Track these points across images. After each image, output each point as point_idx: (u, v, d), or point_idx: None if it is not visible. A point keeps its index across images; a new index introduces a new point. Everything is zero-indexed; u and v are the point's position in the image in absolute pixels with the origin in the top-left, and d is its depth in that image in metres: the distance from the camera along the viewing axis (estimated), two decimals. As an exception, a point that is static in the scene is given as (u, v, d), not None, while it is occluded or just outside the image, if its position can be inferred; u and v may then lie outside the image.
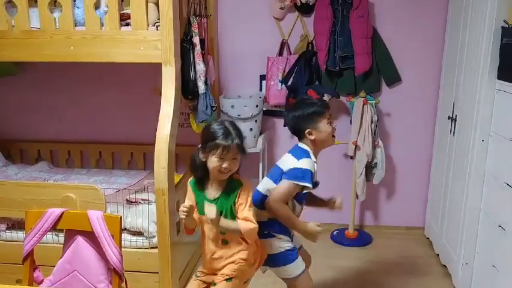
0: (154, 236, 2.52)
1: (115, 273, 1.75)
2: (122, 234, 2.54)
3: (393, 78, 3.38)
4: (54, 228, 1.80)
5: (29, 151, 3.77)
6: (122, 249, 2.50)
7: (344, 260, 3.20)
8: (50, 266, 1.85)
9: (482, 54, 2.52)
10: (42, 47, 2.50)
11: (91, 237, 1.79)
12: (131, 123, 3.63)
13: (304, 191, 2.08)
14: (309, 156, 2.08)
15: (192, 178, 2.01)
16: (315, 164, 2.11)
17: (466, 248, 2.71)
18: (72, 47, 2.47)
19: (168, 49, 2.40)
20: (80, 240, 1.80)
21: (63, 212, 1.80)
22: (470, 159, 2.65)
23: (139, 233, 2.56)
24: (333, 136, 2.15)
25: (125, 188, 3.15)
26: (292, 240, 2.19)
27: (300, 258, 2.17)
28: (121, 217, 1.77)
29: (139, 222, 2.54)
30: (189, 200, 1.99)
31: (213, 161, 1.87)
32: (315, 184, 2.11)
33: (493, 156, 2.51)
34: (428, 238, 3.44)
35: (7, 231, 2.70)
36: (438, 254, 3.17)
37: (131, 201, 2.91)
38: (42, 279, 1.83)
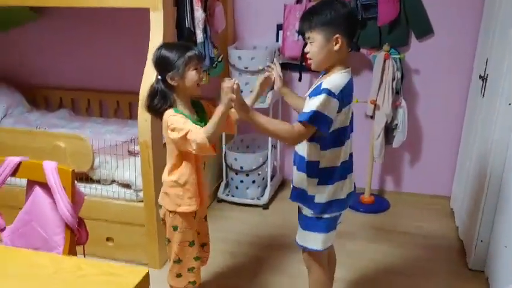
0: (141, 190, 2.46)
1: (67, 227, 1.70)
2: (112, 186, 2.55)
3: (424, 31, 3.00)
4: (13, 176, 1.77)
5: (52, 98, 3.83)
6: (111, 200, 2.53)
7: (354, 226, 3.00)
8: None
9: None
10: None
11: (48, 188, 1.74)
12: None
13: None
14: None
15: (171, 109, 1.85)
16: None
17: (483, 223, 2.43)
18: (61, -9, 2.37)
19: (155, -7, 2.24)
20: (38, 190, 1.76)
21: (21, 162, 1.75)
22: (495, 125, 2.31)
23: (127, 186, 2.52)
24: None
25: (132, 139, 3.10)
26: None
27: None
28: (73, 170, 1.69)
29: (126, 175, 2.49)
30: (189, 121, 1.82)
31: (192, 75, 1.83)
32: None
33: (519, 123, 2.17)
34: (452, 209, 3.14)
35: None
36: (458, 227, 2.89)
37: (132, 153, 2.87)
38: (5, 227, 1.82)
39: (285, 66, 3.24)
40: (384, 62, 2.86)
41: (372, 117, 3.05)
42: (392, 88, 2.89)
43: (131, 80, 3.62)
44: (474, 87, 2.86)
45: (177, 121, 1.80)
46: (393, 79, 2.88)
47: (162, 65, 1.83)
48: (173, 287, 2.10)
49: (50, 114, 3.63)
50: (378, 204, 3.24)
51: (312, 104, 1.65)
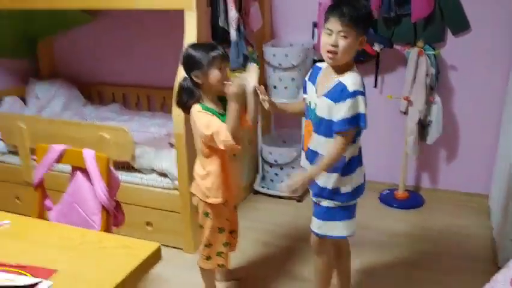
0: (177, 178, 2.63)
1: (103, 208, 1.90)
2: (151, 175, 2.75)
3: (461, 26, 2.96)
4: (58, 162, 1.99)
5: (105, 93, 4.11)
6: (150, 188, 2.72)
7: (387, 221, 3.04)
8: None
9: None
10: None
11: (88, 173, 1.94)
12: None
13: None
14: None
15: (198, 105, 1.98)
16: None
17: (512, 221, 2.40)
18: (108, -6, 2.59)
19: (189, -6, 2.39)
20: (79, 175, 1.97)
21: (64, 149, 1.97)
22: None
23: (165, 175, 2.70)
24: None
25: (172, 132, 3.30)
26: None
27: None
28: (108, 157, 1.88)
29: (164, 165, 2.67)
30: (215, 119, 1.93)
31: (216, 74, 1.92)
32: None
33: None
34: (489, 208, 3.09)
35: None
36: (492, 226, 2.85)
37: (173, 144, 3.06)
38: (51, 207, 2.05)
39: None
40: (418, 58, 2.87)
41: (405, 113, 3.06)
42: (426, 84, 2.89)
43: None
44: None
45: (203, 119, 1.94)
46: (426, 75, 2.88)
47: (188, 63, 1.97)
48: (202, 268, 2.26)
49: (103, 108, 3.91)
50: (413, 200, 3.24)
51: (356, 108, 1.74)
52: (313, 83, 1.91)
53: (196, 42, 2.16)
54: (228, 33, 2.69)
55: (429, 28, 2.96)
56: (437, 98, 2.94)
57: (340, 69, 1.80)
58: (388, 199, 3.26)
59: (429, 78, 2.89)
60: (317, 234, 2.03)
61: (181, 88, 2.01)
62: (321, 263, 2.12)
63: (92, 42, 4.00)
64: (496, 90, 3.01)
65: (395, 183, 3.31)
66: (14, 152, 3.11)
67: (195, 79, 1.96)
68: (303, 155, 2.02)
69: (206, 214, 2.14)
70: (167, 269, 2.51)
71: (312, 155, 1.92)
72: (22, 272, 1.20)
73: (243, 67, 2.80)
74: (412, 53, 2.90)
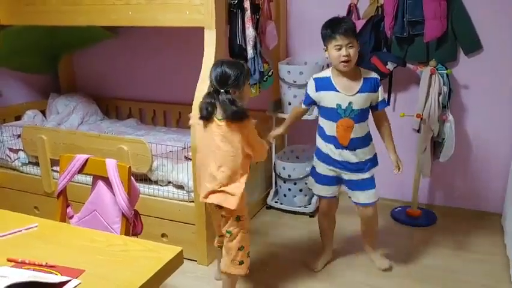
0: (192, 191, 2.69)
1: (123, 216, 1.95)
2: (167, 187, 2.80)
3: (473, 46, 3.02)
4: (80, 172, 2.05)
5: (122, 108, 4.22)
6: (167, 200, 2.78)
7: (398, 238, 3.06)
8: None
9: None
10: (109, 12, 2.76)
11: (109, 183, 2.01)
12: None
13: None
14: None
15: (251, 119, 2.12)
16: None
17: (526, 239, 2.41)
18: (130, 12, 2.69)
19: (210, 14, 2.48)
20: (100, 184, 2.04)
21: (88, 159, 2.04)
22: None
23: (181, 187, 2.76)
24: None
25: (189, 146, 3.36)
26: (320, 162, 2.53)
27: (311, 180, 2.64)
28: (129, 167, 1.95)
29: (180, 177, 2.73)
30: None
31: (249, 89, 2.23)
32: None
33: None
34: (503, 226, 3.09)
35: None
36: (506, 245, 2.85)
37: (189, 158, 3.12)
38: (73, 215, 2.11)
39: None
40: (431, 76, 2.92)
41: (418, 131, 3.10)
42: (439, 102, 2.94)
43: (193, 94, 3.92)
44: (524, 102, 2.84)
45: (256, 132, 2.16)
46: (439, 94, 2.93)
47: (226, 80, 2.04)
48: (235, 275, 2.27)
49: (120, 123, 4.01)
50: (425, 217, 3.26)
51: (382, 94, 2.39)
52: (333, 89, 2.33)
53: (224, 59, 2.20)
54: (245, 50, 2.76)
55: (442, 48, 3.02)
56: (450, 117, 2.98)
57: (352, 71, 2.30)
58: (400, 216, 3.28)
59: (442, 96, 2.93)
60: (374, 203, 2.48)
61: (228, 101, 2.03)
62: (373, 227, 2.62)
63: (110, 58, 4.12)
64: (508, 108, 3.05)
65: (407, 200, 3.34)
66: (35, 163, 3.20)
67: (232, 94, 2.05)
68: (335, 151, 2.41)
69: (238, 218, 2.20)
70: (181, 281, 2.55)
71: (357, 142, 2.37)
72: (52, 271, 1.25)
73: (265, 83, 2.91)
74: (425, 72, 2.96)
